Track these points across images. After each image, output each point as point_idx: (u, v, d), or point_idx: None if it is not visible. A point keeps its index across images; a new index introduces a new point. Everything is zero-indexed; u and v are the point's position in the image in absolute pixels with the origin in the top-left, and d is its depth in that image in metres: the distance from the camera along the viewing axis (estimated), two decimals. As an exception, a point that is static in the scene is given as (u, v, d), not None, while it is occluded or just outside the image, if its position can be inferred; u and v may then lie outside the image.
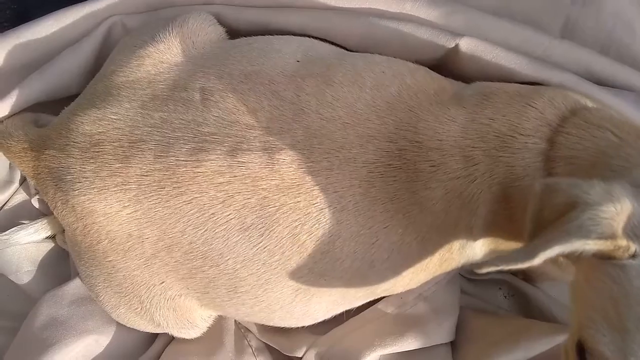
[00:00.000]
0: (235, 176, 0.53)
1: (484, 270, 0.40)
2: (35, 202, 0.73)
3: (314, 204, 0.53)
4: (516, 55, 0.63)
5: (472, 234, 0.55)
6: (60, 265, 0.73)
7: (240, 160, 0.52)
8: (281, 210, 0.53)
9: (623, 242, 0.39)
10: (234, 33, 0.68)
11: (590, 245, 0.38)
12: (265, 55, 0.60)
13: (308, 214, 0.53)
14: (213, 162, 0.53)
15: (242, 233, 0.54)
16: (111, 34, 0.71)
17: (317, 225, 0.53)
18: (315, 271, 0.55)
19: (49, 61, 0.69)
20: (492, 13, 0.70)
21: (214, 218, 0.54)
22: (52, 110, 0.69)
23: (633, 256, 0.39)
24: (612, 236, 0.38)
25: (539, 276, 0.70)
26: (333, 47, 0.67)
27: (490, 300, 0.73)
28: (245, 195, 0.53)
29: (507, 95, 0.55)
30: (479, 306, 0.72)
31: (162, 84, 0.58)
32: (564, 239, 0.38)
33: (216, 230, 0.54)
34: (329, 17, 0.68)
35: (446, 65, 0.68)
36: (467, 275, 0.74)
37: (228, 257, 0.55)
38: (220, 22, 0.68)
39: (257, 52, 0.60)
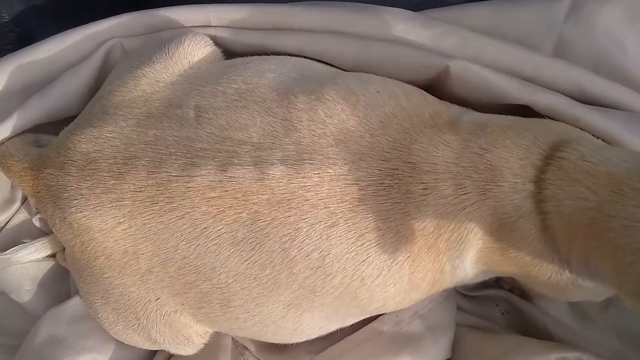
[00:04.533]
0: (226, 191, 0.53)
1: None
2: (36, 222, 0.74)
3: (304, 219, 0.54)
4: (506, 77, 0.64)
5: (463, 259, 0.55)
6: (61, 283, 0.74)
7: (231, 175, 0.53)
8: (272, 225, 0.54)
9: None
10: (230, 54, 0.70)
11: None
12: (260, 75, 0.61)
13: (298, 229, 0.54)
14: (204, 177, 0.54)
15: (234, 247, 0.55)
16: (110, 56, 0.73)
17: (307, 240, 0.54)
18: (306, 287, 0.56)
19: (49, 83, 0.71)
20: (484, 33, 0.71)
21: (206, 232, 0.55)
22: (52, 131, 0.70)
23: None
24: None
25: (537, 295, 0.70)
26: (328, 67, 0.68)
27: (487, 317, 0.73)
28: (236, 210, 0.54)
29: (500, 128, 0.56)
30: (475, 323, 0.72)
31: (157, 102, 0.60)
32: None
33: (208, 245, 0.55)
34: (324, 39, 0.69)
35: (438, 85, 0.69)
36: (463, 291, 0.74)
37: (220, 272, 0.56)
38: (217, 43, 0.69)
39: (252, 72, 0.61)
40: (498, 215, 0.52)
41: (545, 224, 0.51)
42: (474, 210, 0.53)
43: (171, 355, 0.70)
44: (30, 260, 0.72)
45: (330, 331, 0.64)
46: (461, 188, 0.53)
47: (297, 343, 0.66)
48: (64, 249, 0.73)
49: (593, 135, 0.59)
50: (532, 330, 0.70)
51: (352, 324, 0.66)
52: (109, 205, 0.56)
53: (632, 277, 0.45)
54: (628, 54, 0.71)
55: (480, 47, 0.67)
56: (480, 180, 0.52)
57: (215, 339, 0.69)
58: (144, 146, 0.56)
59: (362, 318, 0.65)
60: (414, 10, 0.74)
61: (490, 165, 0.52)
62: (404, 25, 0.68)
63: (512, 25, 0.73)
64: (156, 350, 0.71)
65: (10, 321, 0.73)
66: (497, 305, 0.74)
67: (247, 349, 0.70)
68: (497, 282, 0.74)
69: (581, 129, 0.59)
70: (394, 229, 0.54)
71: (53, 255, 0.74)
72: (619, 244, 0.46)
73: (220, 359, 0.68)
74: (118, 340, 0.67)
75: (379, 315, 0.67)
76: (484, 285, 0.74)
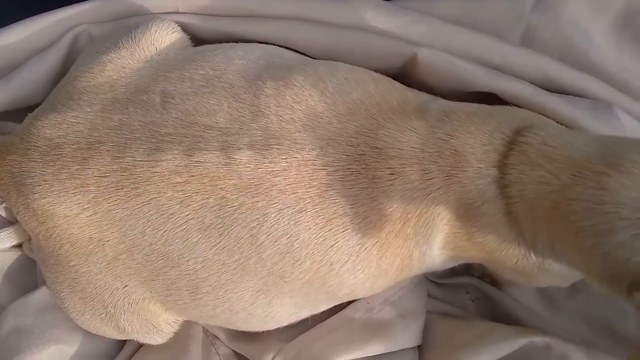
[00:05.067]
0: (192, 176, 0.53)
1: None
2: (1, 211, 0.72)
3: (272, 205, 0.53)
4: (473, 66, 0.64)
5: (430, 244, 0.56)
6: (27, 274, 0.72)
7: (197, 159, 0.53)
8: (240, 210, 0.53)
9: None
10: (198, 41, 0.69)
11: None
12: (228, 61, 0.60)
13: (266, 214, 0.53)
14: (170, 161, 0.53)
15: (202, 233, 0.54)
16: (77, 42, 0.71)
17: (275, 226, 0.54)
18: (275, 272, 0.56)
19: (14, 70, 0.70)
20: (455, 22, 0.72)
21: (173, 218, 0.54)
22: (17, 119, 0.69)
23: None
24: None
25: (506, 282, 0.71)
26: (297, 54, 0.68)
27: (458, 304, 0.73)
28: (203, 195, 0.53)
29: (465, 115, 0.56)
30: (446, 310, 0.72)
31: (123, 88, 0.59)
32: None
33: (175, 231, 0.55)
34: (292, 27, 0.69)
35: (407, 74, 0.69)
36: (434, 279, 0.74)
37: (188, 258, 0.55)
38: (186, 30, 0.68)
39: (220, 58, 0.61)
40: (463, 201, 0.53)
41: (510, 208, 0.51)
42: (440, 195, 0.53)
43: (141, 345, 0.69)
44: (-4, 250, 0.70)
45: (301, 318, 0.64)
46: (427, 173, 0.53)
47: (268, 331, 0.66)
48: (30, 239, 0.72)
49: (558, 122, 0.59)
50: (502, 316, 0.71)
51: (324, 311, 0.66)
52: (73, 191, 0.55)
53: (595, 259, 0.46)
54: (593, 43, 0.72)
55: (449, 36, 0.68)
56: (445, 165, 0.53)
57: (186, 329, 0.68)
58: (108, 131, 0.56)
59: (332, 305, 0.65)
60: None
61: (455, 150, 0.53)
62: (373, 14, 0.68)
63: (481, 15, 0.74)
64: (125, 340, 0.70)
65: (-24, 314, 0.72)
66: (467, 292, 0.74)
67: (218, 338, 0.70)
68: (467, 270, 0.75)
69: (546, 116, 0.60)
70: (362, 215, 0.54)
71: (19, 246, 0.73)
72: (581, 227, 0.46)
73: (191, 348, 0.67)
74: (86, 331, 0.66)
75: (350, 303, 0.68)
76: (454, 273, 0.75)
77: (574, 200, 0.47)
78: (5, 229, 0.71)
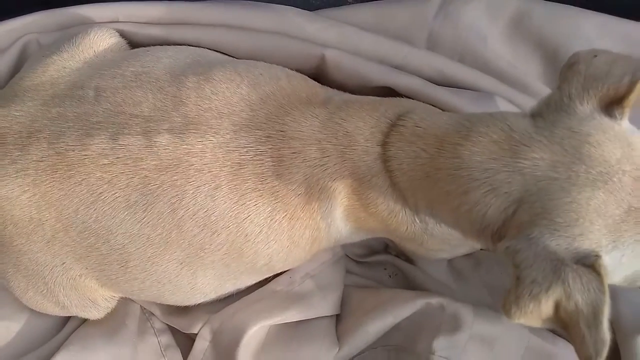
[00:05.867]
0: (118, 157, 0.60)
1: None
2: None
3: (190, 182, 0.61)
4: (371, 64, 0.74)
5: (333, 216, 0.64)
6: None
7: (121, 143, 0.60)
8: (161, 188, 0.61)
9: None
10: (136, 46, 0.77)
11: None
12: (157, 60, 0.68)
13: (185, 191, 0.61)
14: (97, 145, 0.60)
15: (128, 210, 0.61)
16: (26, 50, 0.79)
17: (193, 201, 0.61)
18: (195, 244, 0.63)
19: (-33, 74, 0.77)
20: (369, 29, 0.81)
21: (102, 197, 0.61)
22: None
23: None
24: None
25: (414, 255, 0.79)
26: (223, 55, 0.77)
27: (376, 280, 0.81)
28: (128, 175, 0.60)
29: (360, 103, 0.65)
30: (365, 284, 0.80)
31: (63, 85, 0.66)
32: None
33: (105, 209, 0.61)
34: (219, 33, 0.78)
35: (322, 74, 0.78)
36: (355, 258, 0.82)
37: (117, 233, 0.62)
38: (124, 37, 0.77)
39: (150, 57, 0.69)
40: (356, 175, 0.61)
41: (393, 180, 0.60)
42: (336, 170, 0.61)
43: (82, 323, 0.75)
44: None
45: (226, 291, 0.71)
46: (324, 151, 0.61)
47: (197, 306, 0.73)
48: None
49: (444, 109, 0.68)
50: (416, 289, 0.79)
51: (249, 288, 0.74)
52: (14, 175, 0.62)
53: (463, 217, 0.54)
54: (488, 45, 0.82)
55: (357, 39, 0.77)
56: (339, 144, 0.61)
57: (123, 306, 0.75)
58: (47, 122, 0.63)
59: (256, 279, 0.72)
60: (313, 10, 0.84)
61: (347, 132, 0.61)
62: (291, 21, 0.77)
63: (392, 22, 0.84)
64: (67, 318, 0.76)
65: None
66: (384, 269, 0.82)
67: (153, 314, 0.76)
68: (385, 249, 0.83)
69: (435, 104, 0.69)
70: (271, 190, 0.62)
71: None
72: (447, 191, 0.55)
73: (127, 323, 0.74)
74: (31, 310, 0.73)
75: (274, 278, 0.75)
76: (373, 252, 0.83)
77: (440, 170, 0.55)
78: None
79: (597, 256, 0.45)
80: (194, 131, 0.61)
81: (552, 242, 0.46)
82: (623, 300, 0.69)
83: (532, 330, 0.69)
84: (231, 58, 0.75)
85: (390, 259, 0.82)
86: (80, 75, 0.68)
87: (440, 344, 0.67)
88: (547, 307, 0.45)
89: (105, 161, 0.60)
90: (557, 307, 0.45)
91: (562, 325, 0.46)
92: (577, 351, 0.46)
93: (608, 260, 0.46)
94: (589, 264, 0.45)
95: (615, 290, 0.70)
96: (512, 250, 0.47)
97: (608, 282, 0.49)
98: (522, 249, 0.47)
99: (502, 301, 0.48)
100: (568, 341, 0.67)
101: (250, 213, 0.62)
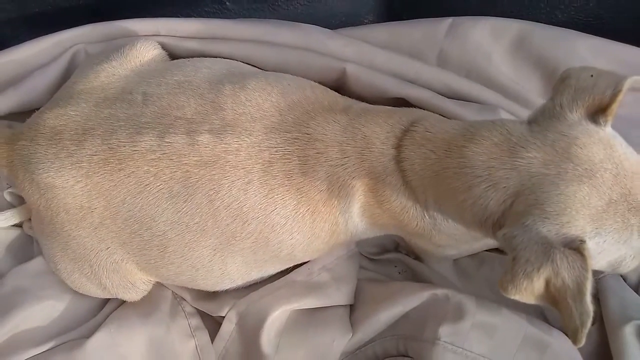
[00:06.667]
0: (164, 153, 0.68)
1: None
2: (6, 195, 0.87)
3: (226, 177, 0.69)
4: (387, 77, 0.83)
5: (351, 212, 0.71)
6: (25, 248, 0.87)
7: (167, 140, 0.68)
8: (201, 182, 0.69)
9: None
10: (175, 57, 0.86)
11: None
12: (197, 70, 0.77)
13: (221, 184, 0.69)
14: (146, 142, 0.68)
15: (170, 200, 0.69)
16: (75, 59, 0.88)
17: (228, 193, 0.69)
18: (227, 232, 0.70)
19: (22, 80, 0.86)
20: (384, 46, 0.90)
21: (148, 188, 0.69)
22: (22, 120, 0.83)
23: None
24: None
25: (423, 253, 0.86)
26: (254, 68, 0.85)
27: (387, 275, 0.88)
28: (172, 169, 0.68)
29: (376, 111, 0.73)
30: (376, 279, 0.87)
31: (113, 90, 0.75)
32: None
33: (150, 199, 0.69)
34: (250, 47, 0.87)
35: (342, 86, 0.87)
36: (368, 255, 0.89)
37: (159, 221, 0.70)
38: (165, 49, 0.86)
39: (190, 68, 0.77)
40: (372, 175, 0.69)
41: (406, 179, 0.67)
42: (355, 170, 0.69)
43: (119, 305, 0.83)
44: (0, 227, 0.85)
45: (252, 278, 0.79)
46: (344, 153, 0.69)
47: (225, 291, 0.80)
48: (29, 219, 0.86)
49: (450, 118, 0.76)
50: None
51: (271, 277, 0.81)
52: (69, 167, 0.70)
53: (467, 210, 0.62)
54: (492, 64, 0.90)
55: (374, 56, 0.86)
56: (357, 147, 0.69)
57: (157, 291, 0.82)
58: (100, 121, 0.71)
59: (278, 267, 0.79)
60: (333, 28, 0.93)
61: (365, 136, 0.69)
62: (314, 38, 0.86)
63: (405, 40, 0.93)
64: (106, 301, 0.84)
65: (-20, 282, 0.85)
66: (395, 266, 0.89)
67: (184, 299, 0.84)
68: (396, 248, 0.90)
69: (442, 114, 0.77)
70: (296, 186, 0.70)
71: (20, 225, 0.87)
72: (453, 187, 0.62)
73: (161, 306, 0.81)
74: (74, 291, 0.80)
75: (294, 268, 0.82)
76: (384, 250, 0.90)
77: (447, 169, 0.63)
78: (9, 210, 0.86)
79: (582, 241, 0.53)
80: (230, 132, 0.69)
81: (544, 228, 0.53)
82: (611, 294, 0.76)
83: (529, 320, 0.76)
84: (261, 70, 0.84)
85: (400, 257, 0.89)
86: (128, 82, 0.76)
87: (445, 331, 0.74)
88: (539, 283, 0.52)
89: (153, 156, 0.68)
90: (547, 284, 0.52)
91: (553, 301, 0.53)
92: (566, 326, 0.53)
93: (591, 245, 0.54)
94: (575, 247, 0.52)
95: (604, 286, 0.78)
96: (509, 236, 0.55)
97: (594, 267, 0.56)
98: (518, 234, 0.54)
99: (500, 280, 0.55)
100: (562, 331, 0.74)
101: (278, 206, 0.70)
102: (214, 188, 0.69)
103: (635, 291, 0.79)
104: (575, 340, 0.52)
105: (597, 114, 0.58)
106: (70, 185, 0.70)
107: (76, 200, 0.71)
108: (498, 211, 0.58)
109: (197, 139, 0.69)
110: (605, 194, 0.54)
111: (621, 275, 0.80)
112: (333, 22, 1.01)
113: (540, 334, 0.75)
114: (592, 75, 0.59)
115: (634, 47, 0.92)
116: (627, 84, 0.57)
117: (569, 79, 0.60)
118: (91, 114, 0.72)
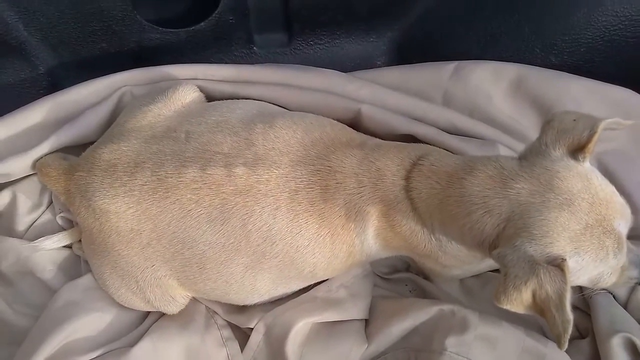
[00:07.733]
0: (205, 183, 0.79)
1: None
2: (58, 219, 0.98)
3: (257, 204, 0.79)
4: (398, 116, 0.93)
5: (366, 235, 0.81)
6: (75, 267, 0.97)
7: (208, 172, 0.79)
8: (236, 207, 0.79)
9: None
10: (211, 98, 0.98)
11: None
12: (231, 111, 0.88)
13: (253, 210, 0.79)
14: (189, 174, 0.79)
15: (209, 223, 0.79)
16: (122, 99, 1.00)
17: (259, 218, 0.79)
18: (258, 252, 0.80)
19: (76, 117, 0.98)
20: (394, 87, 1.01)
21: (190, 213, 0.79)
22: (75, 153, 0.95)
23: None
24: None
25: (431, 273, 0.95)
26: (280, 108, 0.97)
27: (399, 293, 0.97)
28: (211, 197, 0.79)
29: (388, 147, 0.83)
30: (389, 296, 0.96)
31: (159, 128, 0.86)
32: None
33: (191, 222, 0.80)
34: (277, 90, 0.98)
35: (357, 123, 0.98)
36: (381, 275, 0.99)
37: (199, 242, 0.80)
38: (202, 91, 0.97)
39: (225, 109, 0.89)
40: (385, 202, 0.78)
41: (414, 206, 0.77)
42: (369, 197, 0.79)
43: (158, 318, 0.93)
44: (53, 248, 0.95)
45: (278, 294, 0.88)
46: (360, 183, 0.79)
47: (253, 305, 0.90)
48: (78, 240, 0.97)
49: (453, 153, 0.86)
50: (431, 301, 0.94)
51: (295, 293, 0.90)
52: (122, 195, 0.81)
53: (467, 233, 0.71)
54: (492, 102, 1.00)
55: (385, 97, 0.97)
56: (372, 177, 0.79)
57: (193, 305, 0.92)
58: (149, 155, 0.82)
59: (301, 284, 0.89)
60: (349, 70, 1.04)
61: (378, 168, 0.79)
62: (333, 81, 0.97)
63: (414, 82, 1.04)
64: (147, 314, 0.94)
65: (35, 296, 0.95)
66: (406, 285, 0.99)
67: (216, 312, 0.93)
68: (407, 269, 1.00)
69: (446, 149, 0.87)
70: (318, 211, 0.80)
71: (70, 246, 0.98)
72: (456, 213, 0.72)
73: (196, 319, 0.91)
74: (120, 305, 0.90)
75: (315, 285, 0.92)
76: (396, 270, 0.99)
77: (449, 197, 0.73)
78: (60, 232, 0.96)
79: (563, 259, 0.62)
80: (261, 165, 0.80)
81: (530, 248, 0.63)
82: (601, 310, 0.84)
83: (528, 333, 0.84)
84: (287, 110, 0.95)
85: (411, 277, 0.98)
86: (172, 121, 0.87)
87: (451, 342, 0.82)
88: (526, 295, 0.61)
89: (195, 186, 0.79)
90: (534, 295, 0.61)
91: (539, 311, 0.62)
92: (552, 332, 0.62)
93: (572, 263, 0.63)
94: (557, 264, 0.62)
95: (595, 302, 0.87)
96: (502, 255, 0.64)
97: (577, 283, 0.65)
98: (509, 253, 0.64)
99: (494, 292, 0.64)
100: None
101: (302, 229, 0.80)
102: (247, 213, 0.79)
103: (624, 307, 0.87)
104: (559, 345, 0.62)
105: (576, 151, 0.68)
106: (122, 210, 0.81)
107: (127, 223, 0.82)
108: (493, 234, 0.68)
109: (233, 171, 0.79)
110: (582, 219, 0.63)
111: (611, 293, 0.88)
112: (349, 64, 1.12)
113: (538, 345, 0.83)
114: (574, 120, 0.69)
115: (622, 87, 1.01)
116: (602, 126, 0.66)
117: (553, 122, 0.70)
118: (141, 149, 0.83)
